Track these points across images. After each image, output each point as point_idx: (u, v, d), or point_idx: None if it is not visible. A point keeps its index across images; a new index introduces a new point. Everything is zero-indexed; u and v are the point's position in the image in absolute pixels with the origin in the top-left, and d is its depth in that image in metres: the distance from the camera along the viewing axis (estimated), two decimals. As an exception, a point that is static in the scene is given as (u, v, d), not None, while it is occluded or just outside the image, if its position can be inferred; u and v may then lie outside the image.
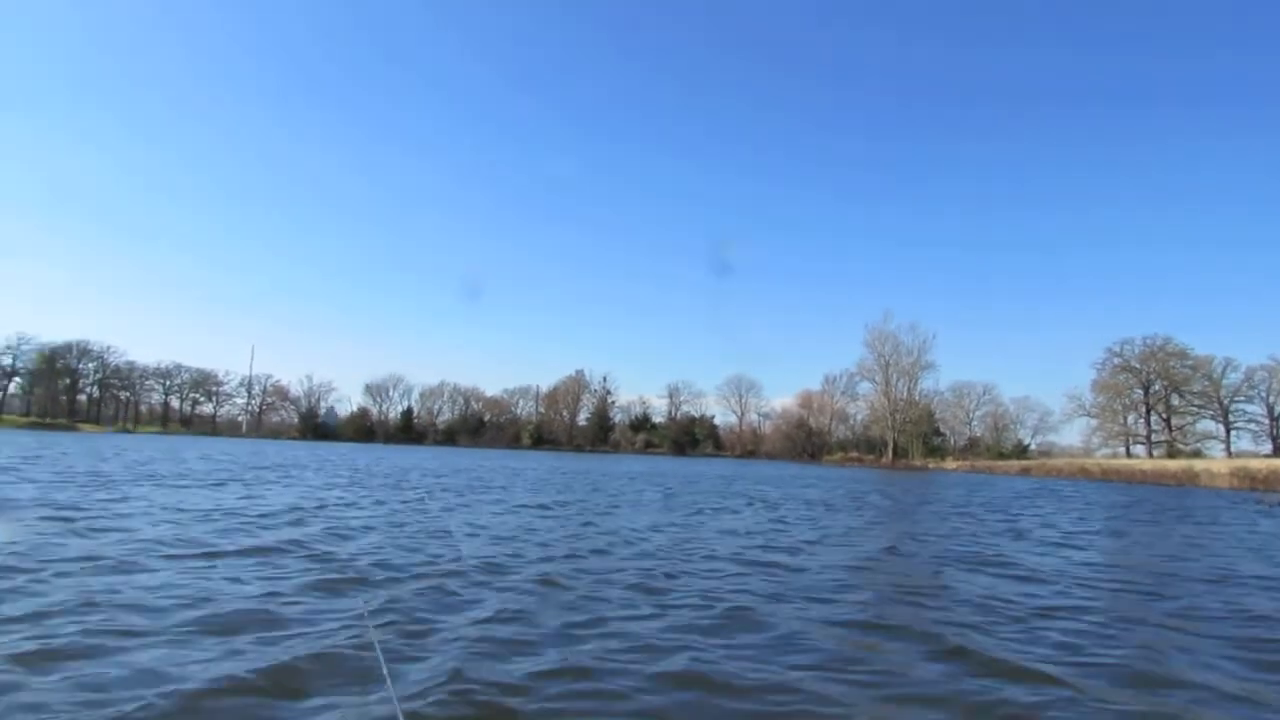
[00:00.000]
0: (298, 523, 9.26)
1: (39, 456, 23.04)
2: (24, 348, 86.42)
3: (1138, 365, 77.49)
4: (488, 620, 4.72)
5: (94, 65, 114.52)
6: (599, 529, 10.19)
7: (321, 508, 11.24)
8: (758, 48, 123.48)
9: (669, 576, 6.64)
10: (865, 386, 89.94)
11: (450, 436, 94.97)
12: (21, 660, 3.52)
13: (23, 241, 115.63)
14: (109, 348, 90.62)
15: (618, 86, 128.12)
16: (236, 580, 5.54)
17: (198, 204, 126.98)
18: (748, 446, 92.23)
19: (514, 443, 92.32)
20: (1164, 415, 76.06)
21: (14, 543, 6.62)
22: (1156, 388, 76.25)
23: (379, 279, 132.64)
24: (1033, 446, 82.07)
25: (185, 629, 4.21)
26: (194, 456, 28.45)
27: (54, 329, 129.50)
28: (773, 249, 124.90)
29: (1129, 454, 75.20)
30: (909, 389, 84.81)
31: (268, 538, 7.74)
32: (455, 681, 3.45)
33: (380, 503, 12.56)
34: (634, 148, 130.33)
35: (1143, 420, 77.20)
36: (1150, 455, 72.23)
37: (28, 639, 3.84)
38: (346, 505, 11.92)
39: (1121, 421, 78.48)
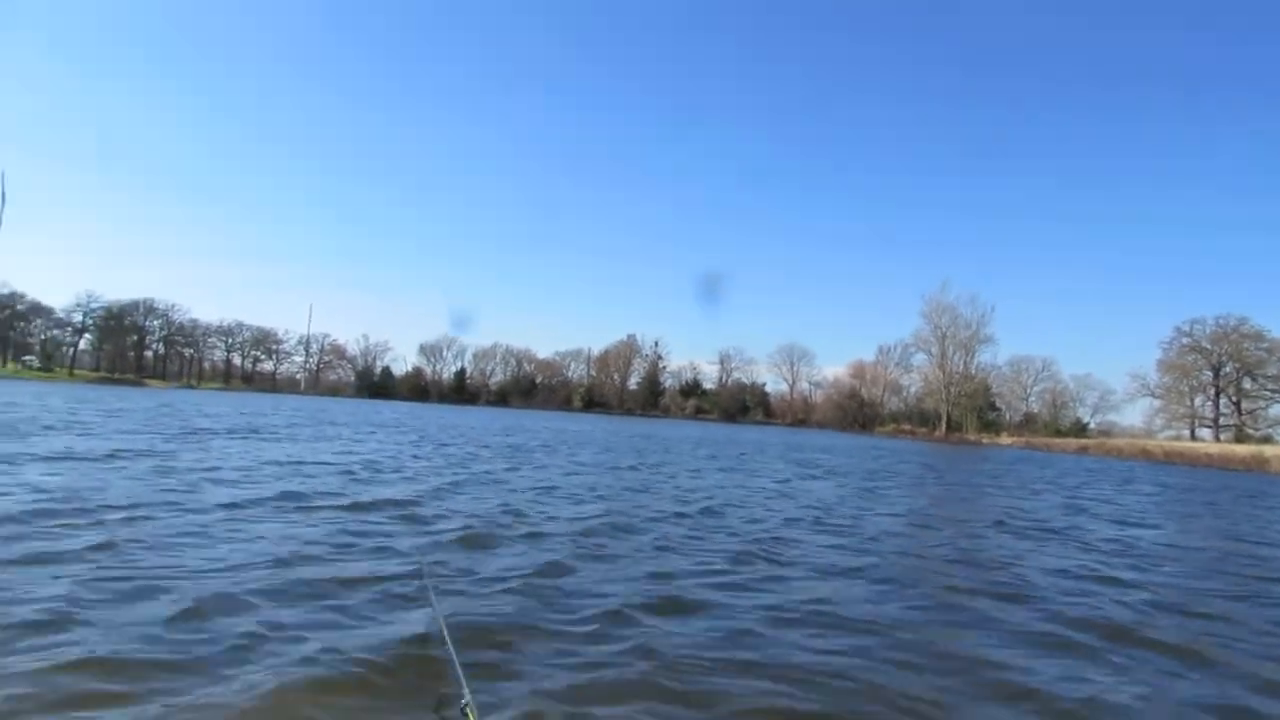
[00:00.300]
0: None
1: (165, 409, 25.84)
2: (93, 305, 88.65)
3: (1208, 346, 75.43)
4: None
5: (157, 26, 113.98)
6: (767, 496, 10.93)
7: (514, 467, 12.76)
8: (824, 11, 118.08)
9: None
10: (920, 358, 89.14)
11: (502, 397, 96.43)
12: None
13: (89, 199, 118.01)
14: (173, 305, 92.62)
15: (673, 48, 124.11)
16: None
17: (259, 165, 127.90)
18: (798, 415, 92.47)
19: (565, 405, 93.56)
20: (1234, 399, 74.38)
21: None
22: (1227, 370, 74.33)
23: (436, 241, 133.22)
24: (1091, 425, 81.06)
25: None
26: (290, 414, 30.39)
27: (121, 287, 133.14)
28: (830, 215, 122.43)
29: (1194, 437, 74.06)
30: (965, 362, 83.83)
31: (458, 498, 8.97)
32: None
33: (542, 467, 13.74)
34: (686, 114, 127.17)
35: (1210, 403, 75.66)
36: (1217, 439, 71.06)
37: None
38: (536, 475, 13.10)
39: (1187, 403, 77.03)
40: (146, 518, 6.06)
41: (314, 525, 6.26)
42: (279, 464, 10.99)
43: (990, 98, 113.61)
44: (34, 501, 6.31)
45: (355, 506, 7.41)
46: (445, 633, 2.71)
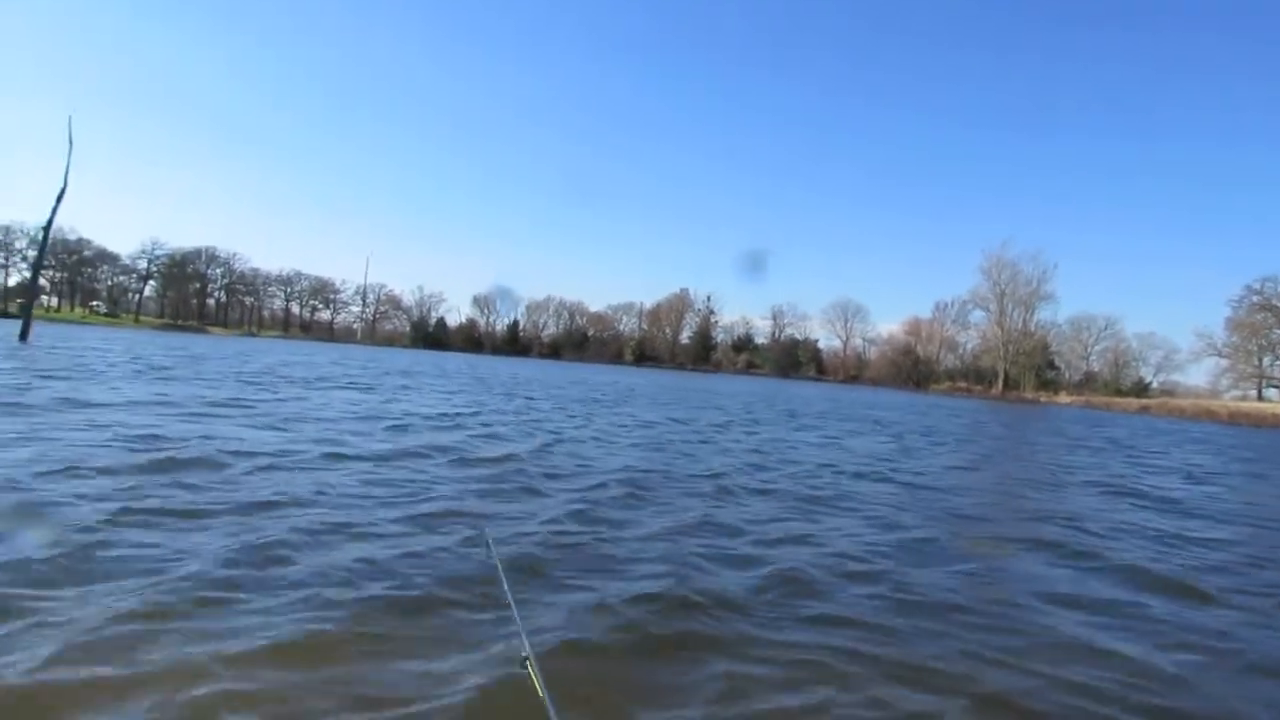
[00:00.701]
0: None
1: (246, 357, 26.92)
2: (157, 252, 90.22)
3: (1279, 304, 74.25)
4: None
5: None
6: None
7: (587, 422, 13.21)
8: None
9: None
10: (978, 315, 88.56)
11: (555, 350, 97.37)
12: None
13: (156, 149, 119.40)
14: (234, 254, 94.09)
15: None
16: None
17: (317, 116, 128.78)
18: (850, 372, 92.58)
19: (616, 358, 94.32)
20: (1305, 359, 73.47)
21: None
22: (1299, 329, 73.30)
23: (490, 192, 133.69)
24: (1154, 385, 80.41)
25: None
26: (358, 364, 31.39)
27: (184, 235, 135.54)
28: (890, 172, 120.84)
29: (1260, 397, 73.35)
30: (1024, 319, 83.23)
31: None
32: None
33: (648, 426, 13.87)
34: (743, 69, 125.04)
35: (1279, 362, 74.72)
36: (1286, 399, 70.46)
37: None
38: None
39: (1255, 363, 76.01)
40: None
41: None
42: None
43: (1061, 51, 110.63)
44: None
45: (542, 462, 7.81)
46: (504, 582, 2.62)
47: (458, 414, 12.35)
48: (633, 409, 17.37)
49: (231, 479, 5.59)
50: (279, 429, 8.71)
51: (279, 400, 12.34)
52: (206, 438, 7.40)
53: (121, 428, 7.50)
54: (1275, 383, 74.66)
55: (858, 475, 8.95)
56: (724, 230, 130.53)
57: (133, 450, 6.31)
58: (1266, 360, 75.72)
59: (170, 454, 6.20)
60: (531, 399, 18.01)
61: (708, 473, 7.97)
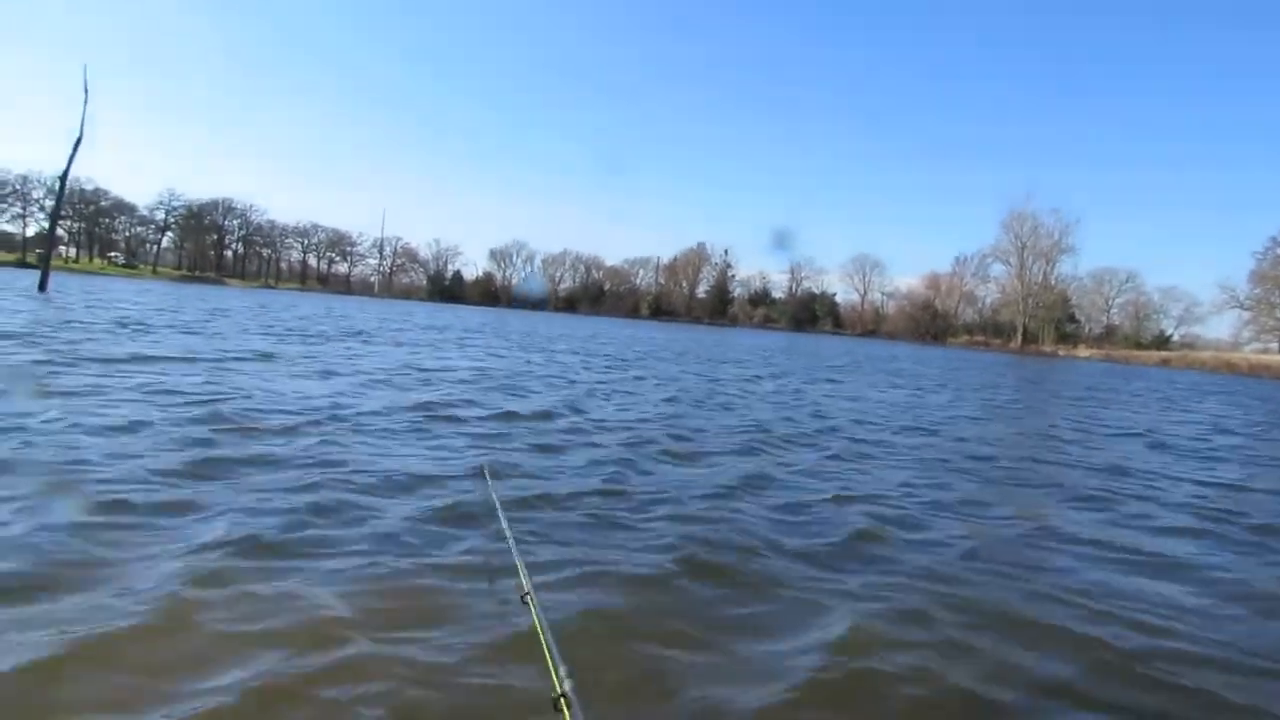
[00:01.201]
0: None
1: (264, 310, 26.32)
2: (174, 203, 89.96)
3: (1304, 256, 73.64)
4: None
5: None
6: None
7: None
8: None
9: None
10: (998, 269, 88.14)
11: (571, 304, 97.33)
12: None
13: (169, 100, 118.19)
14: (251, 206, 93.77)
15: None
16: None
17: (336, 65, 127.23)
18: (868, 326, 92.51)
19: (633, 313, 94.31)
20: (1329, 310, 73.09)
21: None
22: (1323, 281, 72.80)
23: (507, 143, 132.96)
24: (1175, 338, 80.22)
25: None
26: (389, 317, 30.88)
27: (201, 186, 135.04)
28: (910, 119, 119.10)
29: (1282, 350, 73.20)
30: (1045, 273, 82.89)
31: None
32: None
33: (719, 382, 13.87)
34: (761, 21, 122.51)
35: (1302, 315, 74.35)
36: (1307, 352, 70.30)
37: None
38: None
39: (1278, 316, 75.70)
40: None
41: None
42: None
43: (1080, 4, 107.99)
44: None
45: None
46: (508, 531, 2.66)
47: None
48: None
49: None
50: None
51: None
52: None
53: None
54: (1297, 335, 74.43)
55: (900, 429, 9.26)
56: (742, 184, 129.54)
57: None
58: (1289, 313, 75.42)
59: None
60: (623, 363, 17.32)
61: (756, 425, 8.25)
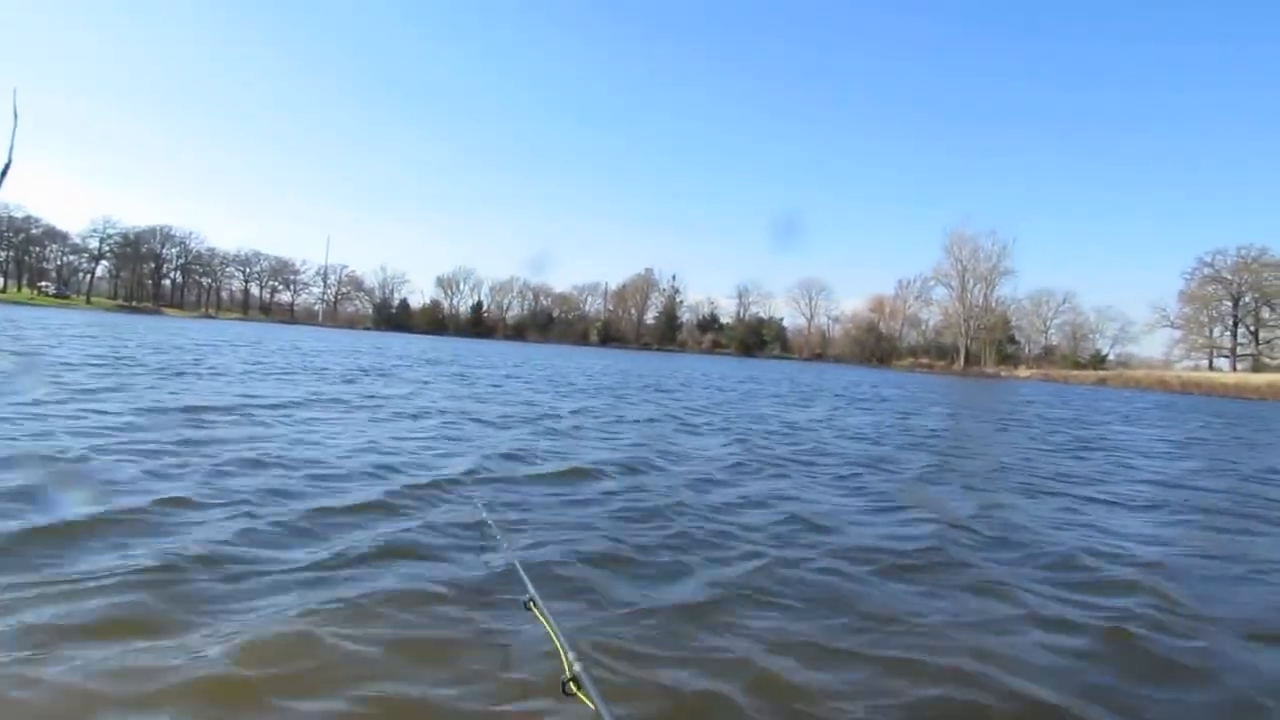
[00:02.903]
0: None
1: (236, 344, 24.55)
2: (109, 231, 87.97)
3: (1229, 276, 75.61)
4: None
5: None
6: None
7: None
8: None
9: None
10: (940, 292, 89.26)
11: (519, 332, 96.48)
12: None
13: (106, 127, 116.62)
14: (191, 233, 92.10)
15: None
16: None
17: (279, 92, 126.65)
18: (815, 349, 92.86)
19: (582, 339, 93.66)
20: (1252, 329, 74.90)
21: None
22: (1247, 300, 74.69)
23: (452, 171, 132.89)
24: (1111, 357, 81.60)
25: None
26: (351, 351, 29.28)
27: (137, 214, 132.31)
28: (848, 149, 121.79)
29: (1211, 367, 74.69)
30: (985, 295, 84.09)
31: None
32: None
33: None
34: (697, 49, 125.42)
35: (1229, 333, 76.16)
36: (1234, 369, 71.72)
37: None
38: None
39: (1206, 334, 77.47)
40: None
41: None
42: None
43: (1012, 31, 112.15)
44: None
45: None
46: (518, 567, 2.76)
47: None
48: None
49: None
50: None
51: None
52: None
53: None
54: (1225, 353, 76.10)
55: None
56: (691, 210, 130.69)
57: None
58: (1217, 331, 77.27)
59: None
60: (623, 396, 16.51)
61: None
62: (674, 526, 4.43)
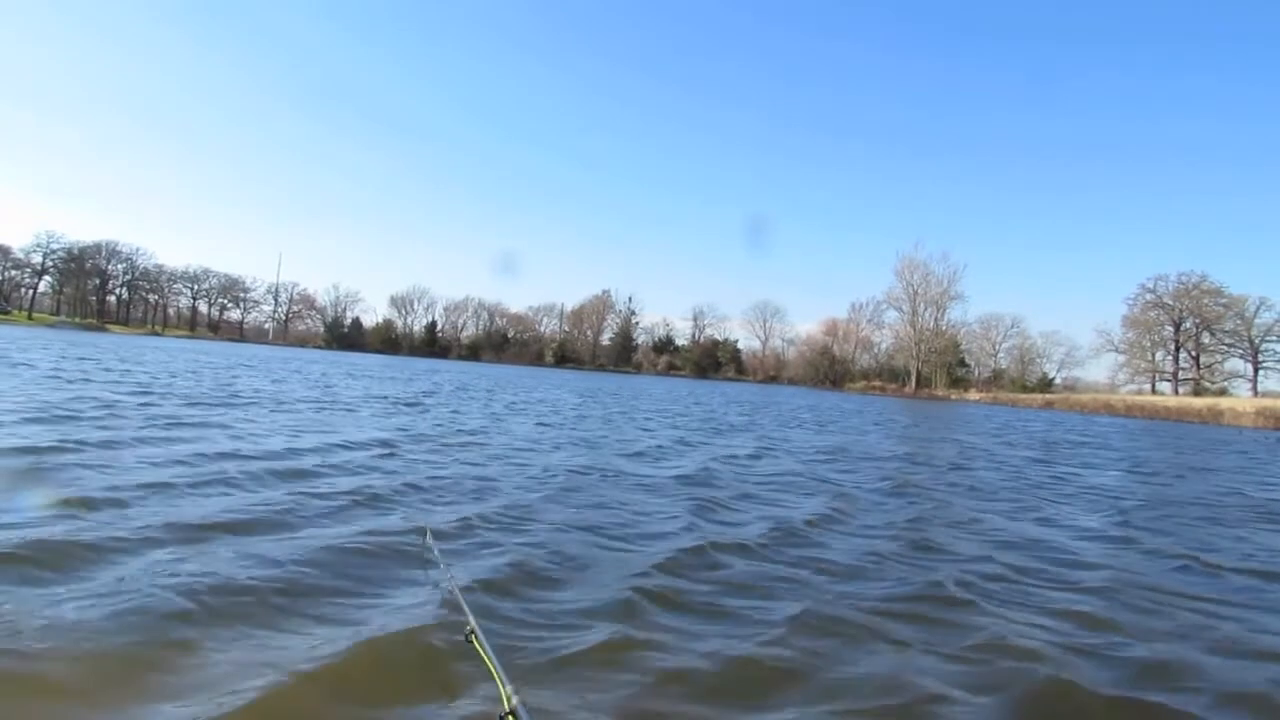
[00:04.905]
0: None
1: (195, 366, 21.94)
2: (53, 246, 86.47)
3: (1170, 302, 76.82)
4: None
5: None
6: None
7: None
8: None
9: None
10: (892, 315, 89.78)
11: (474, 351, 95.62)
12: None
13: (47, 138, 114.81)
14: (138, 249, 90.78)
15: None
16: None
17: (231, 110, 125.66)
18: (770, 372, 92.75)
19: (537, 360, 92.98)
20: (1193, 353, 75.89)
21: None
22: (1187, 325, 75.81)
23: (406, 190, 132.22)
24: (1058, 381, 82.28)
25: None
26: (314, 372, 25.88)
27: (81, 229, 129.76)
28: (802, 175, 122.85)
29: (1154, 391, 75.38)
30: (936, 319, 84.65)
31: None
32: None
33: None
34: (657, 80, 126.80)
35: (1171, 358, 77.09)
36: (1176, 393, 72.42)
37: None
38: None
39: (1149, 358, 78.40)
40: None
41: None
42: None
43: (957, 58, 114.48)
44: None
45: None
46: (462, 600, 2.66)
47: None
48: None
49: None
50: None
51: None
52: None
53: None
54: (1167, 376, 76.93)
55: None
56: (648, 232, 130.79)
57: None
58: (1159, 355, 78.24)
59: None
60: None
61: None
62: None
